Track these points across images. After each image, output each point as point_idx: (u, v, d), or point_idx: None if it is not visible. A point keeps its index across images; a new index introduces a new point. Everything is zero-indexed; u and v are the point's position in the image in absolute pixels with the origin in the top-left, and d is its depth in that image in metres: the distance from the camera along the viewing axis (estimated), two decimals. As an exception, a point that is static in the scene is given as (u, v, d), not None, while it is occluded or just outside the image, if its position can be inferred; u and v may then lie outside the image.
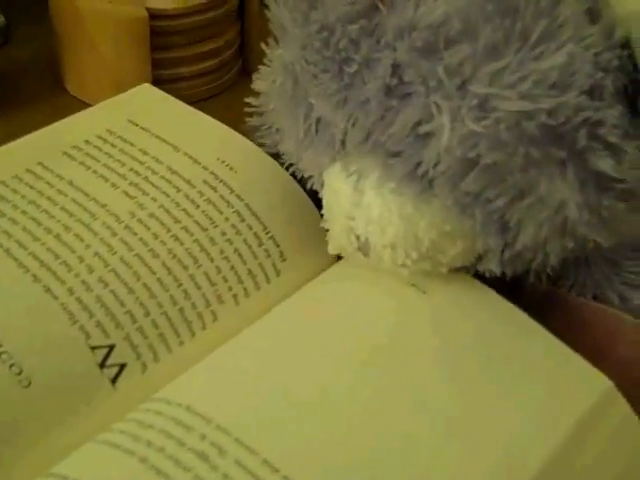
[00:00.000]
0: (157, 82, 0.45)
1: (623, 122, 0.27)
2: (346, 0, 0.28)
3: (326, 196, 0.32)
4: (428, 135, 0.27)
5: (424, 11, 0.27)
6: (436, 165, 0.28)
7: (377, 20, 0.28)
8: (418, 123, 0.27)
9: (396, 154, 0.29)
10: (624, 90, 0.27)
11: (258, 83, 0.34)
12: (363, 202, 0.30)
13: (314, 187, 0.34)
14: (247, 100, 0.35)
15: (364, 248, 0.31)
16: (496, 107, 0.26)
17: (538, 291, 0.33)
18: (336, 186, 0.31)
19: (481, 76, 0.26)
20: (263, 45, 0.33)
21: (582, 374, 0.30)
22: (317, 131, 0.31)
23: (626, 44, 0.27)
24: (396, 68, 0.27)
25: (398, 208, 0.30)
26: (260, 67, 0.34)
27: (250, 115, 0.37)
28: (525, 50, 0.26)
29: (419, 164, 0.28)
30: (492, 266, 0.31)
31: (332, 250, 0.33)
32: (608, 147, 0.26)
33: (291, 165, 0.35)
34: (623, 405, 0.30)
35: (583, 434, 0.29)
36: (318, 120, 0.30)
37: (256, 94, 0.35)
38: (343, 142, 0.30)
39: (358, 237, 0.31)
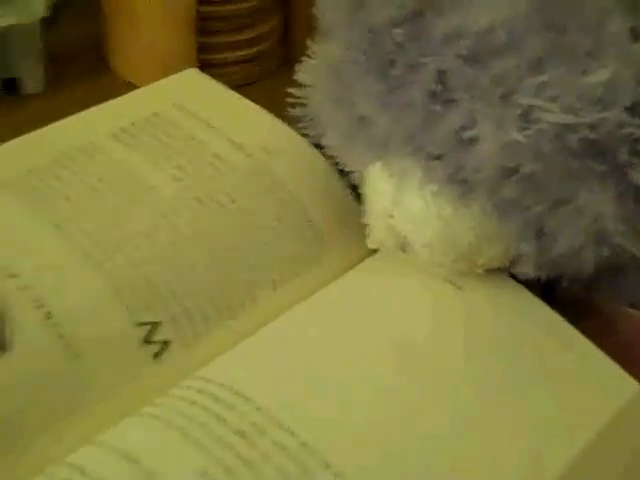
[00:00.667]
0: (201, 66, 0.46)
1: None
2: (393, 3, 0.29)
3: (367, 193, 0.33)
4: (470, 141, 0.28)
5: (471, 19, 0.28)
6: (477, 170, 0.29)
7: (423, 25, 0.28)
8: (461, 129, 0.28)
9: (438, 157, 0.30)
10: None
11: (301, 75, 0.34)
12: (403, 202, 0.31)
13: (354, 182, 0.35)
14: (290, 90, 0.36)
15: (403, 245, 0.32)
16: (539, 118, 0.27)
17: (571, 295, 0.33)
18: (377, 184, 0.32)
19: (525, 87, 0.27)
20: (309, 40, 0.34)
21: (612, 377, 0.31)
22: (360, 129, 0.31)
23: None
24: (441, 74, 0.28)
25: (437, 210, 0.30)
26: (304, 59, 0.34)
27: (292, 106, 0.37)
28: (570, 65, 0.27)
29: (460, 168, 0.29)
30: (527, 269, 0.31)
31: (371, 245, 0.34)
32: None
33: (331, 157, 0.36)
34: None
35: (610, 437, 0.29)
36: (361, 118, 0.31)
37: (298, 85, 0.36)
38: (385, 142, 0.31)
39: (397, 234, 0.32)
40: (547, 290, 0.33)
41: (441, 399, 0.29)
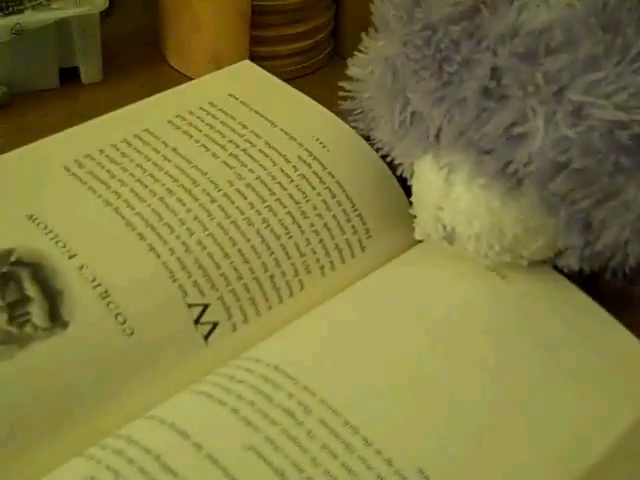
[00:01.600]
0: (253, 58, 0.47)
1: None
2: (450, 1, 0.30)
3: (416, 185, 0.34)
4: (521, 136, 0.29)
5: (526, 17, 0.28)
6: (526, 165, 0.29)
7: (479, 22, 0.29)
8: (512, 124, 0.29)
9: (488, 152, 0.30)
10: None
11: (353, 69, 0.35)
12: (452, 194, 0.32)
13: (404, 175, 0.35)
14: (341, 84, 0.37)
15: (450, 237, 0.33)
16: (591, 115, 0.27)
17: (614, 288, 0.34)
18: (427, 177, 0.33)
19: (578, 84, 0.28)
20: (363, 34, 0.34)
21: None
22: (412, 123, 0.32)
23: None
24: (495, 71, 0.29)
25: (486, 202, 0.31)
26: (356, 54, 0.35)
27: (344, 99, 0.38)
28: (624, 64, 0.27)
29: (509, 163, 0.30)
30: (571, 262, 0.32)
31: (418, 236, 0.34)
32: None
33: (380, 149, 0.36)
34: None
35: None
36: (413, 113, 0.32)
37: (349, 79, 0.37)
38: (437, 136, 0.31)
39: (445, 227, 0.32)
40: (590, 282, 0.33)
41: (482, 383, 0.30)
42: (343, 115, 0.39)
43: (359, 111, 0.37)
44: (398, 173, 0.36)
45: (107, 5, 0.46)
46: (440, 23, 0.29)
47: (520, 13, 0.28)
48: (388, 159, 0.36)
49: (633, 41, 0.27)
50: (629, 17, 0.28)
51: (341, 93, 0.38)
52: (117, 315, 0.31)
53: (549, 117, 0.28)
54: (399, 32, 0.31)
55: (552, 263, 0.33)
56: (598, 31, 0.28)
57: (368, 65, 0.34)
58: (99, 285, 0.31)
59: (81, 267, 0.31)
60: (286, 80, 0.43)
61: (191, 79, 0.44)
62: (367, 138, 0.38)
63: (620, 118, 0.27)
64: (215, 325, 0.32)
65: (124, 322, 0.31)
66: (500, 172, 0.30)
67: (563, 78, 0.28)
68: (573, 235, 0.31)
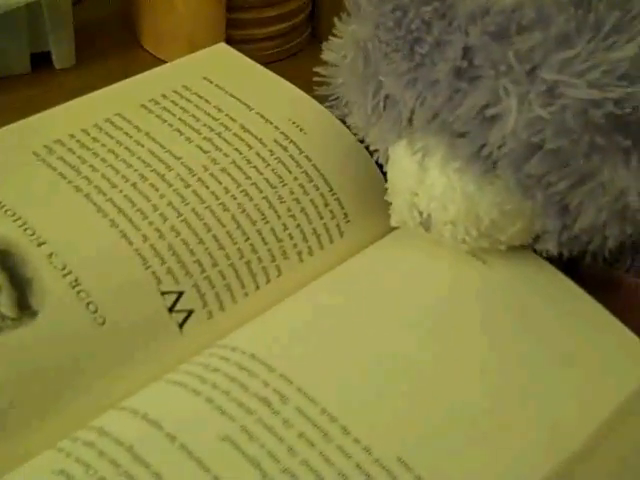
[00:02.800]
0: (229, 42, 0.46)
1: None
2: None
3: (391, 171, 0.33)
4: (495, 118, 0.28)
5: None
6: (501, 147, 0.29)
7: (449, 2, 0.28)
8: (485, 106, 0.28)
9: (462, 135, 0.30)
10: None
11: (328, 54, 0.34)
12: (427, 179, 0.31)
13: (379, 161, 0.35)
14: (316, 69, 0.36)
15: (426, 223, 0.32)
16: (564, 94, 0.27)
17: (594, 272, 0.33)
18: (401, 162, 0.32)
19: (551, 63, 0.27)
20: (335, 19, 0.33)
21: (635, 352, 0.31)
22: (385, 108, 0.31)
23: None
24: (467, 51, 0.28)
25: (461, 187, 0.30)
26: (330, 38, 0.34)
27: (319, 84, 0.37)
28: (596, 40, 0.27)
29: (484, 145, 0.29)
30: (550, 246, 0.31)
31: (394, 223, 0.34)
32: None
33: (355, 135, 0.36)
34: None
35: (631, 412, 0.29)
36: (386, 97, 0.31)
37: (325, 64, 0.36)
38: (410, 120, 0.31)
39: (420, 213, 0.32)
40: (571, 266, 0.33)
41: (461, 369, 0.30)
42: (320, 101, 0.39)
43: (334, 97, 0.37)
44: (374, 159, 0.35)
45: (79, -12, 0.45)
46: (411, 4, 0.29)
47: None
48: (363, 145, 0.36)
49: (605, 17, 0.27)
50: None
51: (316, 79, 0.37)
52: (88, 304, 0.30)
53: (522, 97, 0.27)
54: (371, 14, 0.30)
55: (531, 248, 0.33)
56: (570, 8, 0.27)
57: (341, 50, 0.33)
58: (69, 273, 0.30)
59: (50, 255, 0.30)
60: (264, 64, 0.42)
61: (166, 63, 0.43)
62: (343, 122, 0.37)
63: (593, 96, 0.26)
64: (190, 313, 0.32)
65: (95, 311, 0.30)
66: (475, 155, 0.29)
67: (535, 57, 0.27)
68: (550, 219, 0.30)
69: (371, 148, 0.35)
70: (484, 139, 0.29)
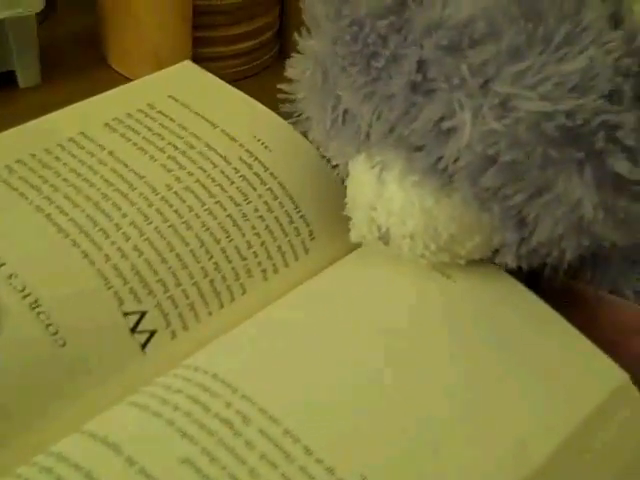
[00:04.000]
0: (196, 60, 0.46)
1: None
2: None
3: (350, 185, 0.33)
4: (450, 131, 0.28)
5: (451, 10, 0.28)
6: (456, 160, 0.29)
7: (406, 17, 0.29)
8: (441, 119, 0.28)
9: (419, 148, 0.30)
10: None
11: (290, 71, 0.34)
12: (385, 193, 0.31)
13: (340, 176, 0.35)
14: (279, 86, 0.36)
15: (384, 238, 0.32)
16: (517, 107, 0.27)
17: (555, 284, 0.33)
18: (360, 176, 0.32)
19: (504, 76, 0.27)
20: (296, 35, 0.33)
21: (599, 366, 0.31)
22: (344, 122, 0.31)
23: None
24: (421, 65, 0.28)
25: (419, 200, 0.30)
26: (292, 55, 0.34)
27: (283, 102, 0.37)
28: (547, 53, 0.27)
29: (440, 159, 0.29)
30: (508, 259, 0.31)
31: (354, 238, 0.33)
32: (625, 150, 0.27)
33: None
34: (638, 399, 0.30)
35: (596, 425, 0.29)
36: (345, 112, 0.31)
37: (289, 81, 0.36)
38: (368, 134, 0.31)
39: (379, 227, 0.32)
40: (532, 279, 0.33)
41: (426, 386, 0.29)
42: (285, 118, 0.39)
43: (297, 114, 0.36)
44: (335, 175, 0.35)
45: (43, 6, 0.44)
46: (367, 18, 0.29)
47: (446, 5, 0.28)
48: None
49: (555, 30, 0.27)
50: (550, 6, 0.27)
51: (280, 95, 0.37)
52: (48, 326, 0.29)
53: (476, 110, 0.27)
54: (328, 30, 0.30)
55: (491, 261, 0.33)
56: (520, 21, 0.27)
57: (302, 65, 0.33)
58: (29, 295, 0.30)
59: (10, 276, 0.30)
60: (231, 81, 0.42)
61: (132, 81, 0.43)
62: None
63: (545, 109, 0.26)
64: (153, 333, 0.31)
65: (55, 333, 0.29)
66: (431, 168, 0.29)
67: (488, 70, 0.27)
68: (508, 232, 0.30)
69: (332, 163, 0.35)
70: (440, 152, 0.29)
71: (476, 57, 0.27)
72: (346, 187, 0.35)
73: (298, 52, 0.34)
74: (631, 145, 0.27)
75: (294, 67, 0.34)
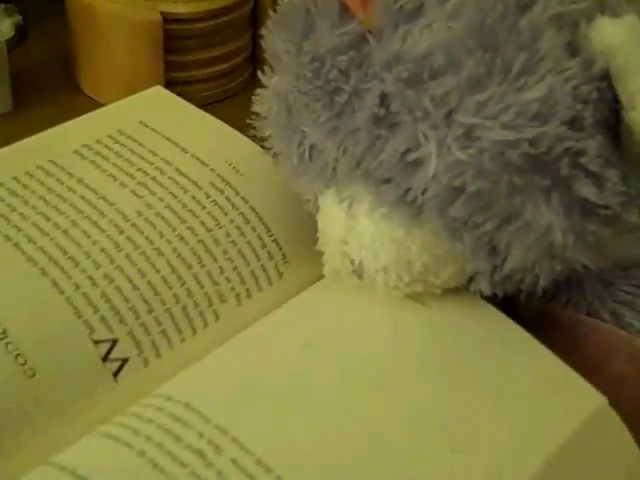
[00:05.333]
0: (169, 84, 0.46)
1: (604, 151, 0.27)
2: (336, 31, 0.29)
3: (321, 220, 0.33)
4: (416, 163, 0.28)
5: (409, 44, 0.28)
6: (424, 192, 0.29)
7: (366, 52, 0.29)
8: (406, 151, 0.28)
9: (386, 181, 0.30)
10: (607, 120, 0.27)
11: (256, 107, 0.34)
12: (356, 227, 0.31)
13: (310, 210, 0.34)
14: (248, 121, 0.36)
15: (358, 271, 0.32)
16: (480, 137, 0.27)
17: (532, 308, 0.33)
18: (330, 211, 0.32)
19: (466, 106, 0.27)
20: (259, 72, 0.33)
21: (576, 389, 0.30)
22: (310, 158, 0.31)
23: (606, 76, 0.27)
24: (384, 98, 0.28)
25: (390, 233, 0.30)
26: (256, 91, 0.34)
27: (253, 136, 0.37)
28: (507, 82, 0.27)
29: (408, 190, 0.29)
30: (483, 287, 0.31)
31: (327, 273, 0.33)
32: (590, 175, 0.27)
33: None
34: (616, 421, 0.30)
35: (575, 449, 0.29)
36: (311, 147, 0.31)
37: (258, 115, 0.35)
38: (335, 169, 0.31)
39: (352, 261, 0.32)
40: (508, 304, 0.33)
41: (403, 415, 0.29)
42: (258, 142, 0.38)
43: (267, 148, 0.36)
44: (305, 211, 0.35)
45: (13, 33, 0.44)
46: (328, 54, 0.29)
47: (405, 39, 0.28)
48: None
49: (513, 59, 0.27)
50: (507, 36, 0.27)
51: (249, 132, 0.36)
52: (17, 356, 0.29)
53: (441, 141, 0.27)
54: (290, 66, 0.30)
55: (465, 289, 0.32)
56: (478, 52, 0.27)
57: (266, 102, 0.33)
58: (-4, 325, 0.29)
59: (-23, 307, 0.30)
60: (204, 105, 0.42)
61: (104, 106, 0.42)
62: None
63: (508, 138, 0.27)
64: (125, 361, 0.31)
65: (24, 363, 0.29)
66: (400, 200, 0.29)
67: (450, 101, 0.27)
68: (480, 260, 0.30)
69: (302, 198, 0.34)
70: (408, 184, 0.29)
71: (437, 89, 0.27)
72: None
73: (264, 87, 0.34)
74: (595, 170, 0.27)
75: (259, 103, 0.33)
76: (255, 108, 0.34)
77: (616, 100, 0.27)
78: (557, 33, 0.27)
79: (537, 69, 0.27)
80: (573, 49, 0.28)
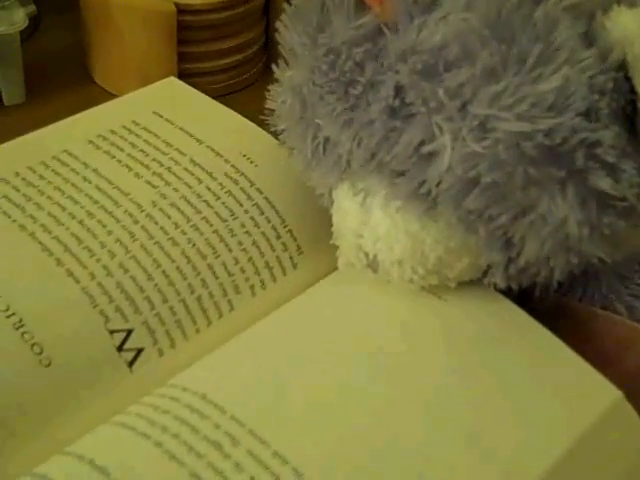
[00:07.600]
0: (182, 75, 0.46)
1: (620, 142, 0.27)
2: (352, 24, 0.29)
3: (335, 214, 0.33)
4: (431, 155, 0.28)
5: (425, 35, 0.28)
6: (439, 184, 0.28)
7: (381, 44, 0.29)
8: (421, 143, 0.28)
9: (401, 173, 0.29)
10: (623, 110, 0.27)
11: (270, 103, 0.34)
12: (370, 220, 0.31)
13: (324, 204, 0.34)
14: (262, 117, 0.35)
15: (373, 265, 0.32)
16: (495, 128, 0.27)
17: (547, 302, 0.33)
18: (344, 204, 0.32)
19: (481, 98, 0.27)
20: (273, 66, 0.33)
21: (592, 383, 0.30)
22: (324, 151, 0.31)
23: (622, 66, 0.27)
24: (399, 90, 0.28)
25: (404, 226, 0.30)
26: (269, 87, 0.34)
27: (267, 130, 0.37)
28: (522, 73, 0.27)
29: (423, 183, 0.29)
30: (497, 280, 0.31)
31: (342, 266, 0.33)
32: (606, 166, 0.27)
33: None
34: (632, 415, 0.30)
35: (591, 443, 0.29)
36: (326, 140, 0.31)
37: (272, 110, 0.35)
38: (349, 162, 0.31)
39: (367, 254, 0.31)
40: (523, 297, 0.32)
41: (416, 408, 0.29)
42: (273, 133, 0.38)
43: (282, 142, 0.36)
44: (320, 204, 0.35)
45: (27, 24, 0.44)
46: (343, 46, 0.29)
47: (420, 31, 0.28)
48: None
49: (528, 50, 0.27)
50: (522, 27, 0.27)
51: (262, 117, 0.36)
52: (33, 345, 0.29)
53: (455, 133, 0.27)
54: (305, 59, 0.30)
55: (480, 282, 0.32)
56: (493, 42, 0.27)
57: (281, 97, 0.33)
58: (13, 314, 0.29)
59: (-7, 296, 0.30)
60: (218, 96, 0.41)
61: (118, 97, 0.42)
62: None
63: (523, 129, 0.26)
64: (140, 351, 0.31)
65: (40, 352, 0.29)
66: (414, 193, 0.29)
67: (465, 93, 0.27)
68: (495, 253, 0.30)
69: (316, 193, 0.34)
70: (423, 177, 0.29)
71: (452, 80, 0.27)
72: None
73: (277, 81, 0.34)
74: (611, 161, 0.27)
75: (273, 99, 0.33)
76: (269, 104, 0.33)
77: (632, 90, 0.27)
78: (573, 23, 0.27)
79: (553, 60, 0.27)
80: (589, 39, 0.27)
